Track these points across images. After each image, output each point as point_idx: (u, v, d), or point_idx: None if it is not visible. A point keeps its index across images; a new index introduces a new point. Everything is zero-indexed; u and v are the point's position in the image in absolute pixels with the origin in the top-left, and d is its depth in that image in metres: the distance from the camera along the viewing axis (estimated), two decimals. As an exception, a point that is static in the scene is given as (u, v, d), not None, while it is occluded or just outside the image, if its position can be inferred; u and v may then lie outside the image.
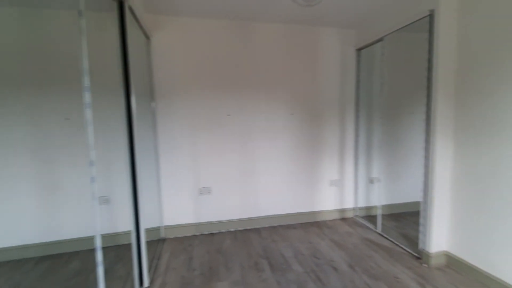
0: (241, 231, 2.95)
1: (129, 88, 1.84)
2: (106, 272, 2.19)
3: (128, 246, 2.60)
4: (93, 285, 2.02)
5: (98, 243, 1.19)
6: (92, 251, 2.55)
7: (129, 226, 2.64)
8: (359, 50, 3.11)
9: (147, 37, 2.57)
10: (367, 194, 3.29)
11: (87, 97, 1.10)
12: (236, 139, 2.91)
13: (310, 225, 3.09)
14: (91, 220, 2.57)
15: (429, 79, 2.16)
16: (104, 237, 2.62)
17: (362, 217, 3.22)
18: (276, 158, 3.03)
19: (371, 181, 3.25)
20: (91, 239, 2.59)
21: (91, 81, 2.47)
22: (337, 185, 3.25)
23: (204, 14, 2.65)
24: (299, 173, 3.11)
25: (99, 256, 1.18)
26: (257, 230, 2.96)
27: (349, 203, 3.31)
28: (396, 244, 2.58)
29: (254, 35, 2.87)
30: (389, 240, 2.67)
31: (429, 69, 2.15)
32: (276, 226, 3.06)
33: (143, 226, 1.95)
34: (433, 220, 2.18)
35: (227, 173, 2.92)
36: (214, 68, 2.80)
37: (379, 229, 2.85)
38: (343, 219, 3.24)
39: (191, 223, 2.87)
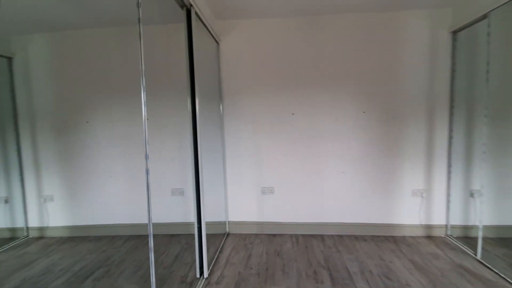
0: (303, 235, 2.82)
1: (194, 91, 1.98)
2: (177, 257, 2.42)
3: (189, 236, 2.82)
4: (161, 263, 2.26)
5: (150, 230, 1.31)
6: (165, 236, 2.87)
7: (207, 215, 2.87)
8: (455, 33, 2.55)
9: (217, 42, 2.73)
10: (464, 210, 2.66)
11: (143, 96, 1.22)
12: (300, 139, 2.80)
13: (384, 239, 2.70)
14: (167, 209, 2.91)
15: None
16: (179, 225, 2.92)
17: (456, 238, 2.63)
18: (346, 161, 2.77)
19: (470, 194, 2.62)
20: (166, 225, 2.92)
21: (173, 86, 2.80)
22: (422, 196, 2.74)
23: (269, 14, 2.64)
24: (373, 179, 2.76)
25: (151, 242, 1.30)
26: (320, 237, 2.77)
27: (438, 219, 2.75)
28: (503, 278, 1.98)
29: (320, 29, 2.70)
30: (492, 271, 2.09)
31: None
32: (342, 236, 2.80)
33: (204, 219, 2.07)
34: None
35: (290, 173, 2.84)
36: (278, 67, 2.76)
37: (478, 255, 2.26)
38: (429, 238, 2.71)
39: (254, 222, 2.91)
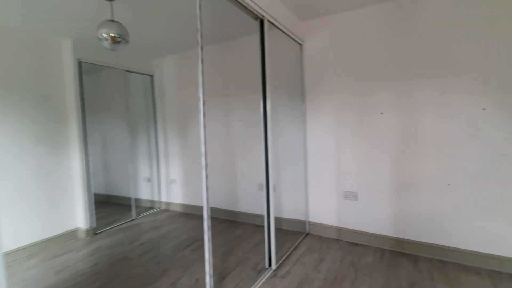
0: (391, 251, 2.48)
1: (266, 94, 2.13)
2: (256, 245, 2.68)
3: (279, 230, 3.00)
4: (242, 248, 2.56)
5: (205, 214, 1.56)
6: (252, 225, 3.18)
7: (281, 211, 3.04)
8: None
9: (299, 43, 2.77)
10: None
11: (201, 104, 1.47)
12: (391, 142, 2.46)
13: (508, 277, 2.02)
14: (254, 201, 3.21)
15: None
16: (262, 217, 3.18)
17: None
18: (454, 171, 2.23)
19: None
20: (253, 216, 3.24)
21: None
22: None
23: (352, 5, 2.44)
24: (498, 196, 2.10)
25: (205, 224, 1.54)
26: (414, 258, 2.35)
27: None
28: None
29: (419, 10, 2.26)
30: None
31: None
32: (445, 262, 2.27)
33: (273, 214, 2.21)
34: None
35: (377, 181, 2.55)
36: (365, 62, 2.52)
37: None
38: None
39: (334, 226, 2.79)
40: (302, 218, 2.96)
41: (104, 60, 3.21)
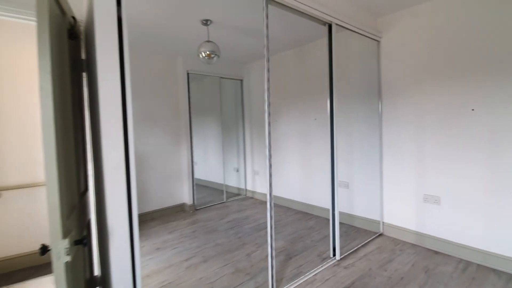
0: (479, 266, 2.19)
1: (332, 94, 2.28)
2: (325, 237, 2.83)
3: (351, 227, 3.05)
4: (311, 237, 2.76)
5: (269, 204, 1.86)
6: (325, 219, 3.31)
7: (354, 208, 3.09)
8: None
9: (376, 40, 2.72)
10: None
11: (266, 105, 1.78)
12: (480, 143, 2.16)
13: None
14: (326, 195, 3.34)
15: None
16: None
17: None
18: None
19: None
20: (326, 210, 3.36)
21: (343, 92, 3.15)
22: None
23: (441, -8, 2.25)
24: None
25: (269, 213, 1.85)
26: (507, 276, 2.03)
27: None
28: None
29: (529, -13, 1.90)
30: None
31: None
32: (556, 289, 1.87)
33: (337, 209, 2.34)
34: None
35: (464, 185, 2.28)
36: (450, 53, 2.27)
37: None
38: None
39: (411, 230, 2.64)
40: (376, 217, 2.91)
41: (205, 70, 3.96)
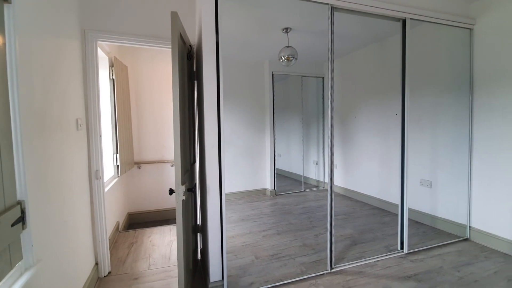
0: None
1: (404, 92, 2.31)
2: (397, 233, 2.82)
3: (431, 228, 2.91)
4: (383, 231, 2.81)
5: (329, 195, 2.11)
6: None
7: (437, 209, 2.94)
8: None
9: (467, 28, 2.51)
10: None
11: (330, 108, 2.03)
12: None
13: None
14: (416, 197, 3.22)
15: None
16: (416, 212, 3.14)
17: None
18: None
19: None
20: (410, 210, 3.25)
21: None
22: None
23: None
24: None
25: (329, 204, 2.09)
26: None
27: None
28: None
29: None
30: None
31: None
32: None
33: (407, 205, 2.36)
34: None
35: None
36: None
37: None
38: None
39: (505, 238, 2.35)
40: (461, 221, 2.68)
41: (288, 70, 4.37)
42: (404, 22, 2.26)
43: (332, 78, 2.06)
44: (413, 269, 2.13)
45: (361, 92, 3.90)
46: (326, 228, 2.95)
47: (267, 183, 4.43)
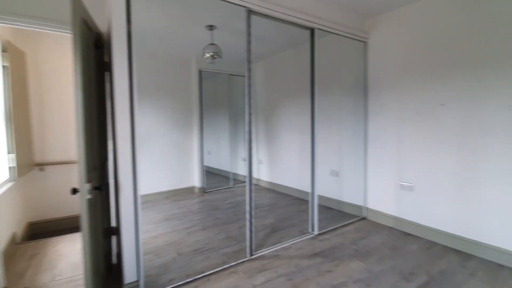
0: (444, 247, 2.42)
1: (313, 94, 2.61)
2: (303, 213, 3.17)
3: (339, 211, 3.36)
4: (300, 218, 3.11)
5: (247, 187, 2.25)
6: (321, 206, 3.63)
7: (342, 195, 3.38)
8: None
9: (362, 41, 2.98)
10: None
11: (248, 109, 2.17)
12: (451, 135, 2.38)
13: None
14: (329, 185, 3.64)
15: None
16: (324, 198, 3.58)
17: None
18: (525, 168, 2.00)
19: None
20: (323, 198, 3.67)
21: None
22: None
23: (416, -3, 2.48)
24: None
25: (248, 192, 2.25)
26: (467, 256, 2.25)
27: None
28: None
29: (488, -7, 2.09)
30: None
31: None
32: (503, 266, 2.07)
33: (316, 193, 2.68)
34: None
35: (435, 174, 2.50)
36: (427, 54, 2.50)
37: None
38: None
39: (390, 215, 2.89)
40: (360, 203, 3.18)
41: (215, 68, 4.41)
42: (313, 31, 2.55)
43: (249, 77, 2.19)
44: (321, 247, 2.44)
45: (283, 92, 4.22)
46: (249, 220, 3.11)
47: (195, 180, 4.40)
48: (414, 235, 2.66)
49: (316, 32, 2.55)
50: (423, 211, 2.61)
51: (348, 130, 3.29)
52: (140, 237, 1.80)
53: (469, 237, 2.30)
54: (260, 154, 4.82)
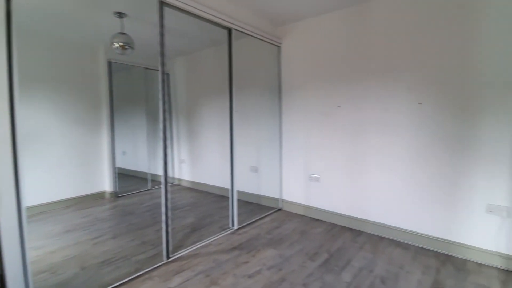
0: (342, 227, 2.84)
1: (232, 93, 2.67)
2: (224, 209, 3.25)
3: (253, 204, 3.53)
4: (221, 214, 3.15)
5: (163, 187, 2.18)
6: (242, 201, 3.76)
7: (261, 189, 3.56)
8: None
9: (277, 46, 3.22)
10: None
11: (162, 106, 2.08)
12: (345, 132, 2.80)
13: (433, 255, 2.27)
14: (249, 181, 3.77)
15: None
16: (244, 193, 3.73)
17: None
18: (396, 159, 2.51)
19: None
20: (244, 193, 3.80)
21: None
22: (501, 215, 2.05)
23: (319, 11, 2.81)
24: (431, 183, 2.34)
25: (163, 193, 2.17)
26: (358, 233, 2.70)
27: (531, 253, 1.96)
28: None
29: (369, 16, 2.56)
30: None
31: None
32: (383, 238, 2.58)
33: (235, 188, 2.77)
34: None
35: (334, 165, 2.91)
36: (327, 61, 2.88)
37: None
38: (509, 272, 2.00)
39: (302, 204, 3.23)
40: (277, 196, 3.44)
41: (129, 60, 4.03)
42: (230, 31, 2.61)
43: (163, 72, 2.10)
44: (239, 240, 2.54)
45: (205, 89, 4.18)
46: (165, 221, 2.99)
47: (106, 184, 3.94)
48: (320, 220, 3.03)
49: (233, 32, 2.62)
50: (327, 198, 3.00)
51: (266, 129, 3.50)
52: (28, 254, 1.52)
53: (358, 217, 2.77)
54: (181, 153, 4.66)
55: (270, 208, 3.41)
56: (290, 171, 3.31)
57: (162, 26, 2.05)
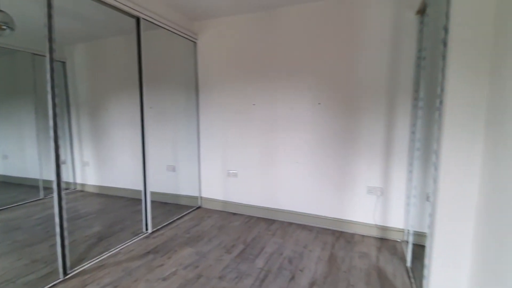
0: (258, 218, 3.03)
1: (142, 88, 2.50)
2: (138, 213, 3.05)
3: (170, 205, 3.42)
4: (133, 219, 2.92)
5: (55, 194, 1.90)
6: (158, 202, 3.55)
7: (179, 188, 3.44)
8: (421, 14, 2.25)
9: (193, 41, 3.17)
10: (422, 215, 2.37)
11: (51, 102, 1.80)
12: (259, 128, 2.99)
13: (331, 233, 2.66)
14: (166, 181, 3.57)
15: None
16: (160, 194, 3.56)
17: (414, 245, 2.37)
18: (301, 152, 2.82)
19: (427, 198, 2.30)
20: (159, 194, 3.60)
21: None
22: (377, 195, 2.56)
23: (234, 11, 2.89)
24: (327, 172, 2.73)
25: (56, 201, 1.89)
26: (271, 222, 2.93)
27: (396, 222, 2.52)
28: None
29: (277, 22, 2.79)
30: (410, 279, 1.90)
31: None
32: (292, 223, 2.88)
33: (149, 189, 2.61)
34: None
35: (250, 161, 3.07)
36: (242, 61, 3.00)
37: (408, 263, 2.06)
38: (382, 239, 2.52)
39: (221, 200, 3.28)
40: (196, 194, 3.40)
41: (8, 43, 3.28)
42: (138, 20, 2.43)
43: (51, 60, 1.81)
44: (154, 244, 2.42)
45: (114, 82, 3.77)
46: (70, 231, 2.60)
47: (-24, 197, 3.13)
48: (238, 214, 3.16)
49: (142, 22, 2.45)
50: (244, 192, 3.14)
51: (183, 126, 3.40)
52: None
53: (272, 207, 3.00)
54: (84, 154, 4.08)
55: (189, 207, 3.35)
56: (209, 168, 3.33)
57: (50, 5, 1.75)
